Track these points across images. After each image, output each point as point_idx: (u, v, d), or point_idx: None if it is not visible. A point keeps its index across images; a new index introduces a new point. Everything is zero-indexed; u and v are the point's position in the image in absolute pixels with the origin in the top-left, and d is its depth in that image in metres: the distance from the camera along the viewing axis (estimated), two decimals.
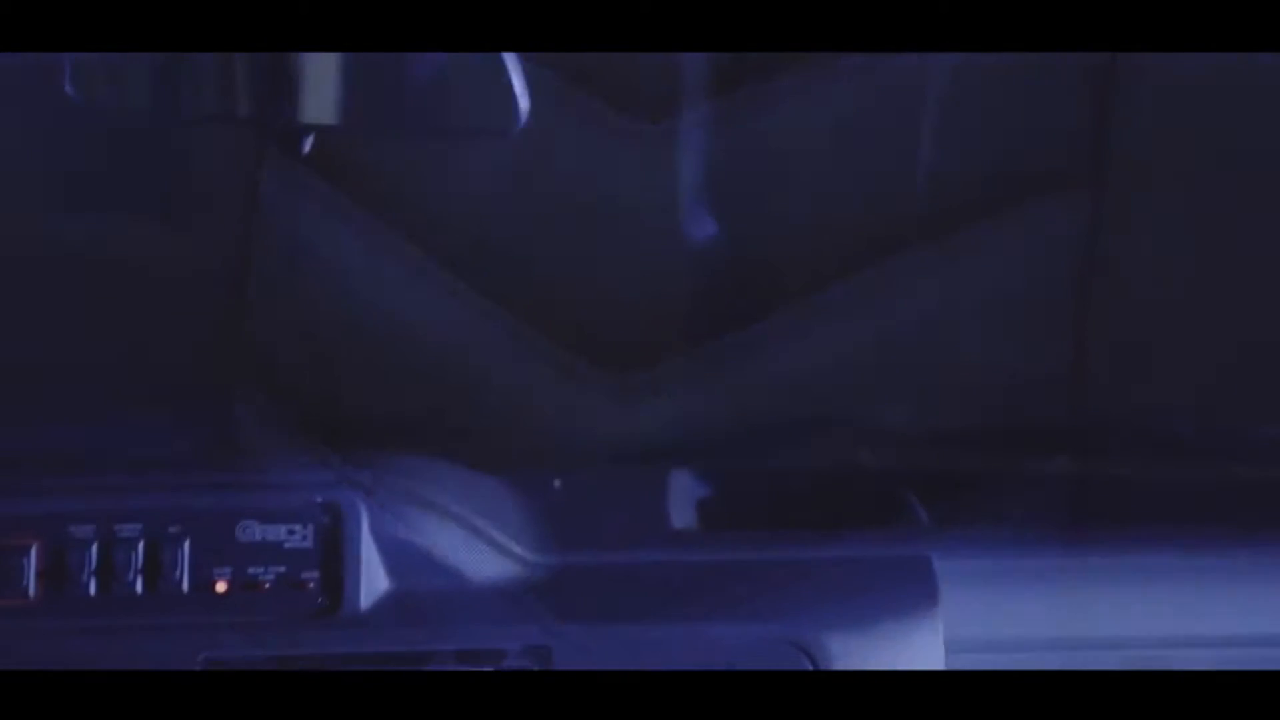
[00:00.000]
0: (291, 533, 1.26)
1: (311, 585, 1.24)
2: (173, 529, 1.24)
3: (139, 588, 1.23)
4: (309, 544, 1.25)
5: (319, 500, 1.25)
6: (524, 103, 1.23)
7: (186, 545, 1.24)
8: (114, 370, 1.62)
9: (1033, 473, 1.51)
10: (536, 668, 1.21)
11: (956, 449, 1.51)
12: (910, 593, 1.26)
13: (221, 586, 1.24)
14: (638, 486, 1.45)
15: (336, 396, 1.63)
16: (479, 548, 1.27)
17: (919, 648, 1.24)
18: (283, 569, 1.25)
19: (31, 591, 1.23)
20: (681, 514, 1.42)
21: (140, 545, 1.24)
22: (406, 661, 1.22)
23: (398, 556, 1.25)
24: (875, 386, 1.56)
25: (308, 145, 1.32)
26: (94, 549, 1.24)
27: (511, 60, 1.23)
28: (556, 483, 1.44)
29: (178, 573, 1.24)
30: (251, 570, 1.25)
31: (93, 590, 1.23)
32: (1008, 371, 1.57)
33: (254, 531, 1.26)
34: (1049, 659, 1.27)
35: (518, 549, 1.29)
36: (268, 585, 1.24)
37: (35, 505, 1.24)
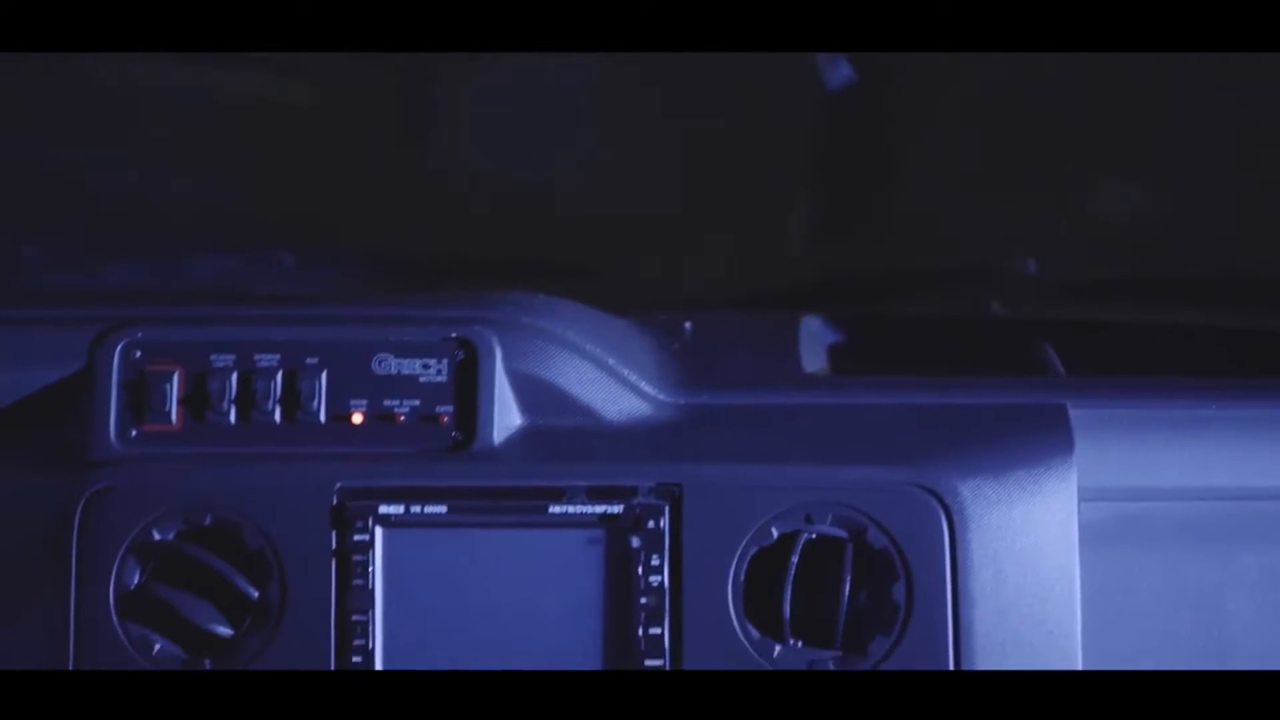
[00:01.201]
0: (426, 367, 1.27)
1: (445, 419, 1.26)
2: (310, 360, 1.26)
3: (277, 417, 1.25)
4: (444, 378, 1.26)
5: (454, 335, 1.27)
6: None
7: (324, 377, 1.26)
8: (254, 208, 1.64)
9: (1170, 323, 1.49)
10: (666, 505, 1.22)
11: (1094, 299, 1.50)
12: (1044, 440, 1.25)
13: (357, 418, 1.26)
14: (769, 330, 1.44)
15: (471, 237, 1.63)
16: (611, 386, 1.28)
17: (1051, 495, 1.24)
18: (417, 402, 1.26)
19: (174, 418, 1.25)
20: (813, 358, 1.42)
21: (278, 376, 1.26)
22: (537, 496, 1.23)
23: (530, 392, 1.26)
24: (1013, 235, 1.54)
25: None
26: (234, 378, 1.26)
27: None
28: (688, 325, 1.44)
29: (315, 403, 1.26)
30: (387, 403, 1.26)
31: (232, 419, 1.25)
32: (1146, 222, 1.55)
33: (390, 365, 1.27)
34: (1181, 510, 1.26)
35: (649, 388, 1.29)
36: (402, 418, 1.26)
37: (178, 334, 1.26)
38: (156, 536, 1.23)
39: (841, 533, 1.23)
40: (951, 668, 1.22)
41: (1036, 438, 1.26)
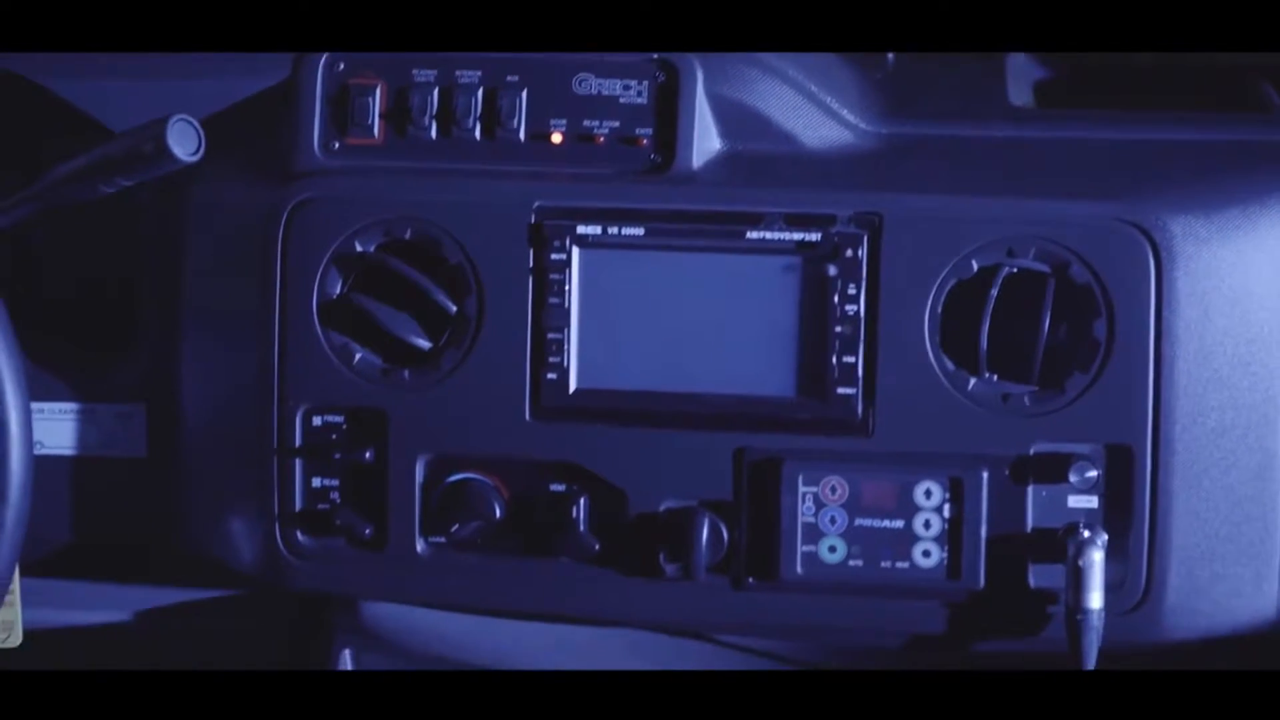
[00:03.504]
0: (627, 88, 1.25)
1: (645, 141, 1.25)
2: (511, 78, 1.25)
3: (477, 134, 1.25)
4: (644, 100, 1.25)
5: (656, 57, 1.25)
6: None
7: (524, 95, 1.25)
8: None
9: None
10: (865, 234, 1.21)
11: None
12: (1261, 179, 1.21)
13: (557, 138, 1.25)
14: (974, 63, 1.41)
15: None
16: (813, 112, 1.25)
17: (1265, 235, 1.19)
18: (617, 124, 1.25)
19: (376, 132, 1.26)
20: (1021, 92, 1.38)
21: (479, 93, 1.26)
22: (735, 221, 1.22)
23: (731, 117, 1.25)
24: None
25: None
26: (435, 94, 1.26)
27: None
28: (890, 56, 1.41)
29: (515, 121, 1.25)
30: (586, 123, 1.25)
31: (433, 134, 1.26)
32: None
33: (591, 85, 1.26)
34: None
35: (851, 116, 1.26)
36: (602, 139, 1.25)
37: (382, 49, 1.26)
38: (359, 248, 1.25)
39: (1044, 267, 1.21)
40: (1150, 408, 1.20)
41: (1252, 175, 1.21)
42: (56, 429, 1.32)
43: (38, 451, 1.21)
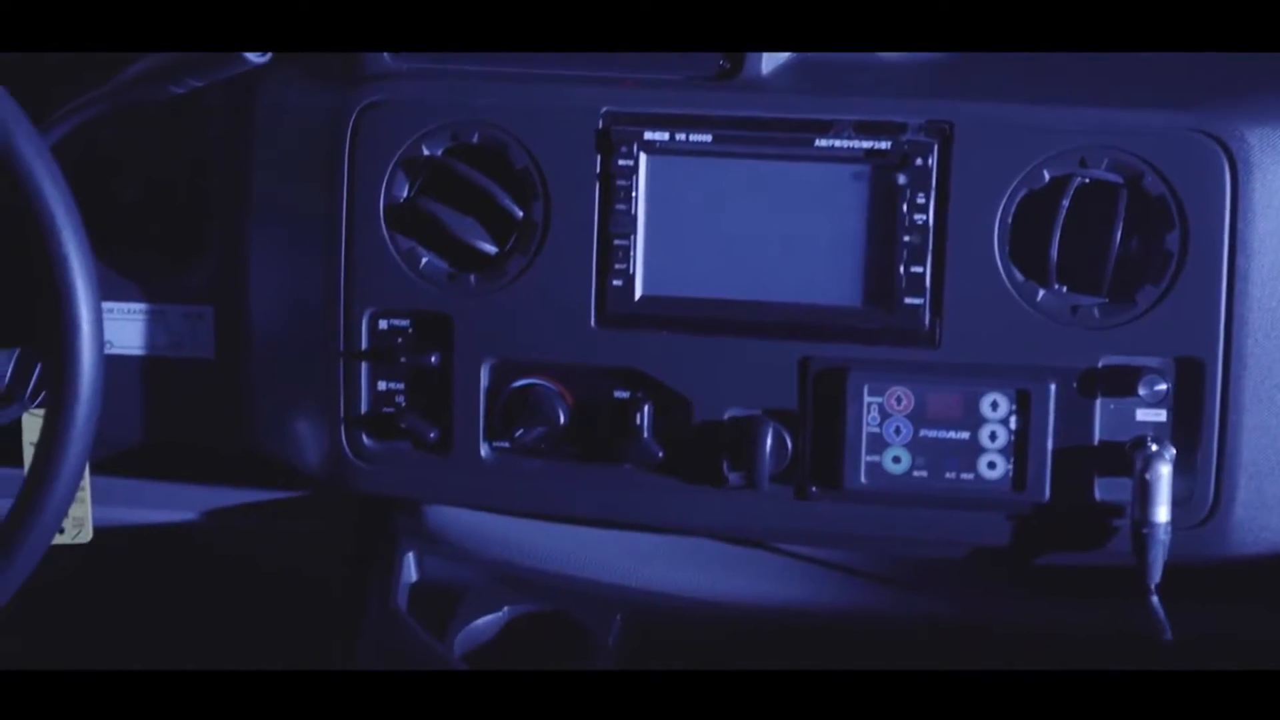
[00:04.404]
0: None
1: None
2: None
3: None
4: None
5: None
6: None
7: None
8: None
9: None
10: (935, 143, 1.20)
11: None
12: None
13: None
14: None
15: None
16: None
17: None
18: None
19: None
20: None
21: None
22: (804, 129, 1.21)
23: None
24: None
25: None
26: None
27: None
28: None
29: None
30: None
31: None
32: None
33: None
34: None
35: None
36: None
37: None
38: (425, 151, 1.24)
39: (1117, 178, 1.19)
40: (1222, 321, 1.19)
41: None
42: (126, 329, 1.33)
43: (107, 351, 1.22)
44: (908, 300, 1.21)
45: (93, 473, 1.33)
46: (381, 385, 1.28)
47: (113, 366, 1.25)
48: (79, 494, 1.27)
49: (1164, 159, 1.19)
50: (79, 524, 1.34)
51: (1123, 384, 1.20)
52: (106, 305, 1.29)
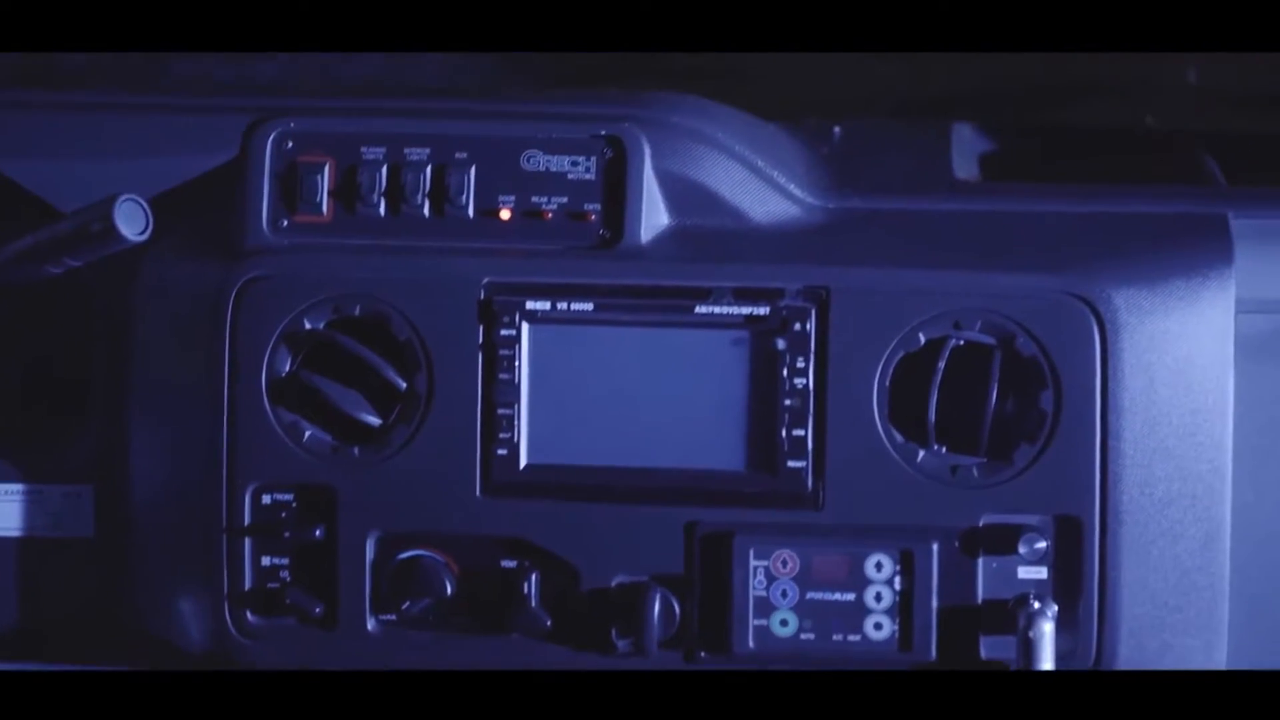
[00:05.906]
0: (575, 164, 1.26)
1: (593, 217, 1.25)
2: (459, 155, 1.26)
3: (426, 211, 1.26)
4: (592, 176, 1.26)
5: (603, 133, 1.26)
6: None
7: (472, 172, 1.26)
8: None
9: None
10: (813, 308, 1.22)
11: (1257, 110, 1.46)
12: (1203, 249, 1.22)
13: (505, 214, 1.25)
14: (920, 136, 1.42)
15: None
16: (759, 188, 1.26)
17: (1209, 306, 1.21)
18: (565, 199, 1.26)
19: (325, 209, 1.26)
20: (965, 165, 1.39)
21: (428, 170, 1.26)
22: (684, 296, 1.23)
23: (679, 192, 1.25)
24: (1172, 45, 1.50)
25: None
26: (384, 171, 1.26)
27: None
28: (837, 130, 1.42)
29: (463, 198, 1.26)
30: (535, 199, 1.26)
31: (382, 211, 1.26)
32: None
33: (538, 161, 1.26)
34: None
35: (798, 191, 1.27)
36: (550, 215, 1.25)
37: (330, 125, 1.26)
38: (308, 325, 1.24)
39: (990, 339, 1.22)
40: (1097, 478, 1.21)
41: (1195, 247, 1.23)
42: (3, 510, 1.31)
43: None
44: (790, 464, 1.23)
45: None
46: (265, 561, 1.26)
47: None
48: None
49: (1035, 321, 1.21)
50: None
51: (1004, 542, 1.22)
52: None
